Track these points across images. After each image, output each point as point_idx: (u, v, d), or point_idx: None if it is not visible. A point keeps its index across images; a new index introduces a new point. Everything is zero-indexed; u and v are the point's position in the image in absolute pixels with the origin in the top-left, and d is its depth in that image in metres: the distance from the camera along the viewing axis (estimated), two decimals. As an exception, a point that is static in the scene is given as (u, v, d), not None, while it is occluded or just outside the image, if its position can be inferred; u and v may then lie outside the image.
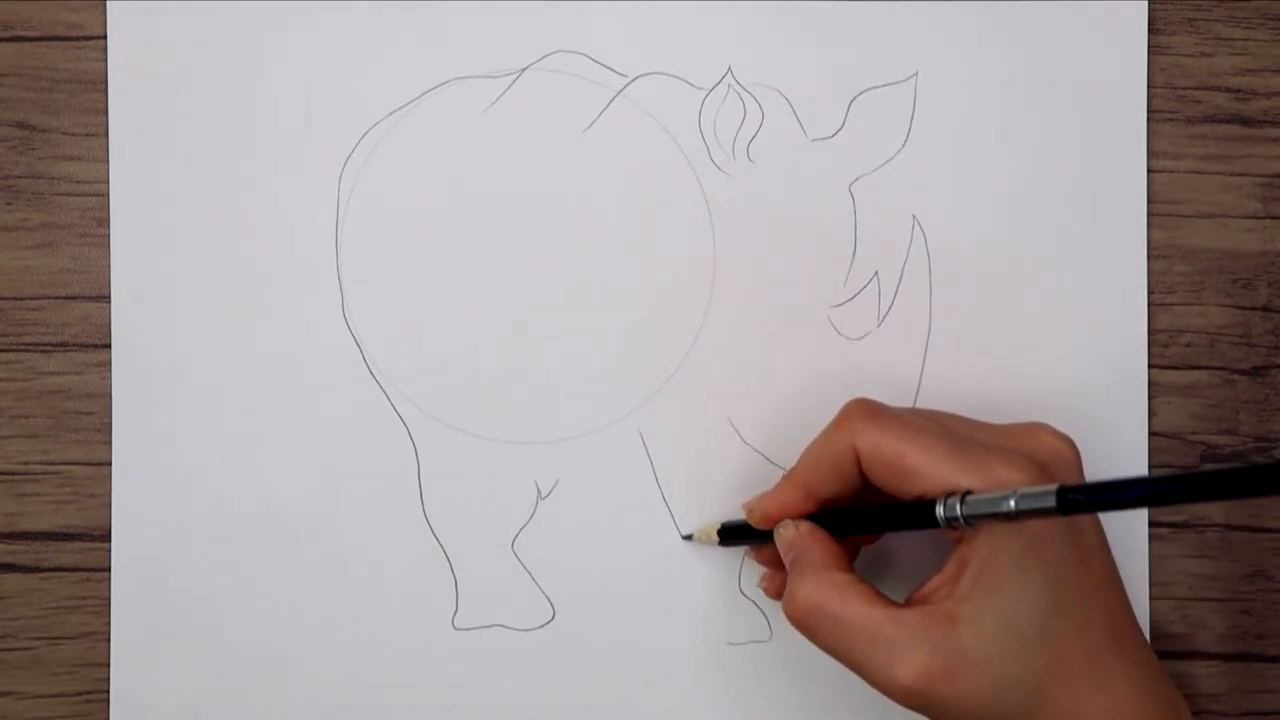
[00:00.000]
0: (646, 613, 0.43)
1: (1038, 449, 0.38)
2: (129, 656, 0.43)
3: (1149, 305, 0.44)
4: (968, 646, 0.35)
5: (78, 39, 0.43)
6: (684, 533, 0.43)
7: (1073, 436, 0.43)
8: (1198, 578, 0.44)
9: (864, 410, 0.38)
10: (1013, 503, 0.33)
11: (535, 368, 0.43)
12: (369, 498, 0.43)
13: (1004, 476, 0.36)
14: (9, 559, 0.43)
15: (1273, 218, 0.45)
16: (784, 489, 0.39)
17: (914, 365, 0.44)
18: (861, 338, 0.44)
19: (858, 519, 0.39)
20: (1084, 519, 0.37)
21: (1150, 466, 0.44)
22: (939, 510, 0.35)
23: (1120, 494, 0.32)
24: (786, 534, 0.39)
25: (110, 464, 0.43)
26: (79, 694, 0.43)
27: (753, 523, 0.40)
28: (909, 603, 0.37)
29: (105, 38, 0.43)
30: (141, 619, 0.43)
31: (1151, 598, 0.44)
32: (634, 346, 0.43)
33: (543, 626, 0.43)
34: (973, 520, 0.35)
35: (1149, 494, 0.31)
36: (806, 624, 0.37)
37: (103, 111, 0.43)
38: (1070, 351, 0.44)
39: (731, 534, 0.42)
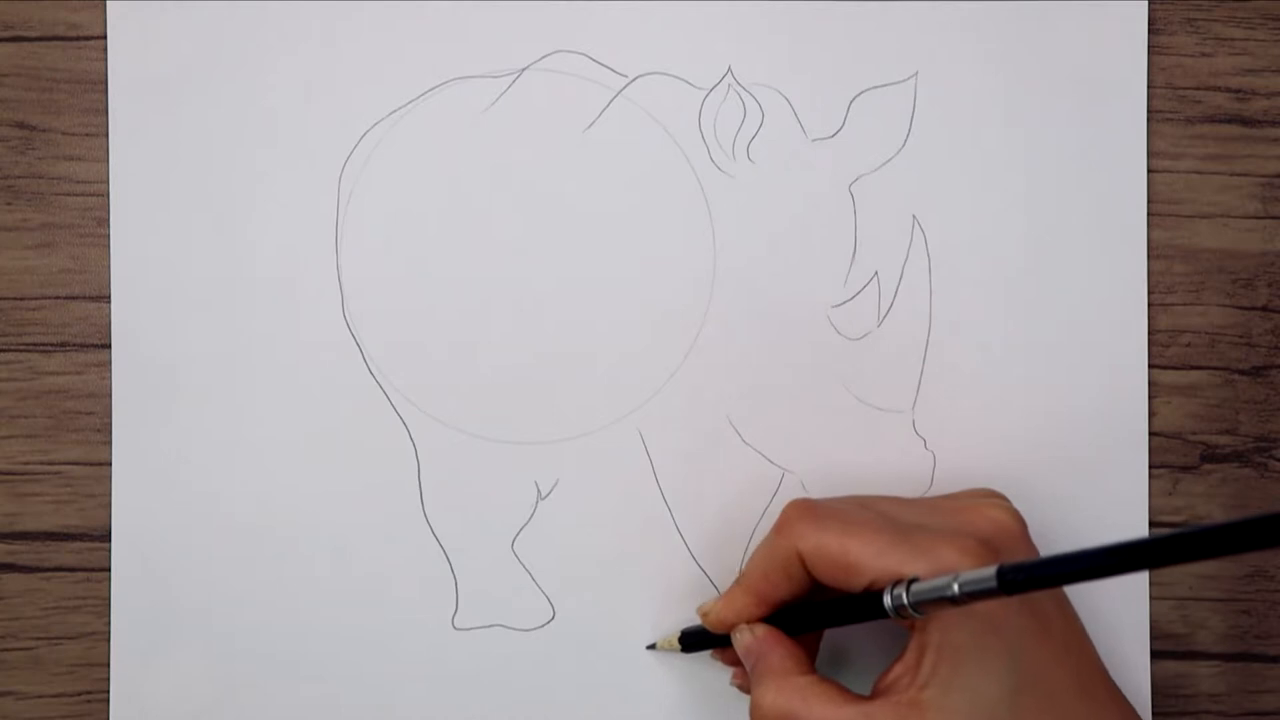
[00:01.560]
0: (646, 613, 0.43)
1: (981, 525, 0.38)
2: (129, 656, 0.43)
3: (1149, 305, 0.44)
4: None
5: (78, 39, 0.43)
6: (647, 643, 0.43)
7: (1073, 436, 0.43)
8: (1198, 578, 0.44)
9: (803, 512, 0.38)
10: (956, 587, 0.33)
11: (535, 368, 0.43)
12: (369, 498, 0.43)
13: (949, 560, 0.36)
14: (9, 559, 0.43)
15: (1273, 218, 0.45)
16: (735, 595, 0.39)
17: (914, 365, 0.44)
18: (861, 338, 0.44)
19: (811, 616, 0.39)
20: None
21: (1150, 466, 0.44)
22: (886, 600, 0.36)
23: (1058, 569, 0.32)
24: (743, 640, 0.39)
25: (110, 464, 0.43)
26: (79, 694, 0.43)
27: (708, 626, 0.40)
28: (875, 694, 0.37)
29: (105, 38, 0.43)
30: (141, 619, 0.43)
31: (1151, 598, 0.44)
32: (634, 346, 0.43)
33: (543, 626, 0.43)
34: (920, 608, 0.35)
35: (1087, 568, 0.31)
36: None
37: (103, 111, 0.43)
38: (1070, 351, 0.44)
39: (692, 640, 0.42)
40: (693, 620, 0.42)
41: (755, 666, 0.38)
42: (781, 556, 0.38)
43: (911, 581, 0.35)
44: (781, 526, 0.38)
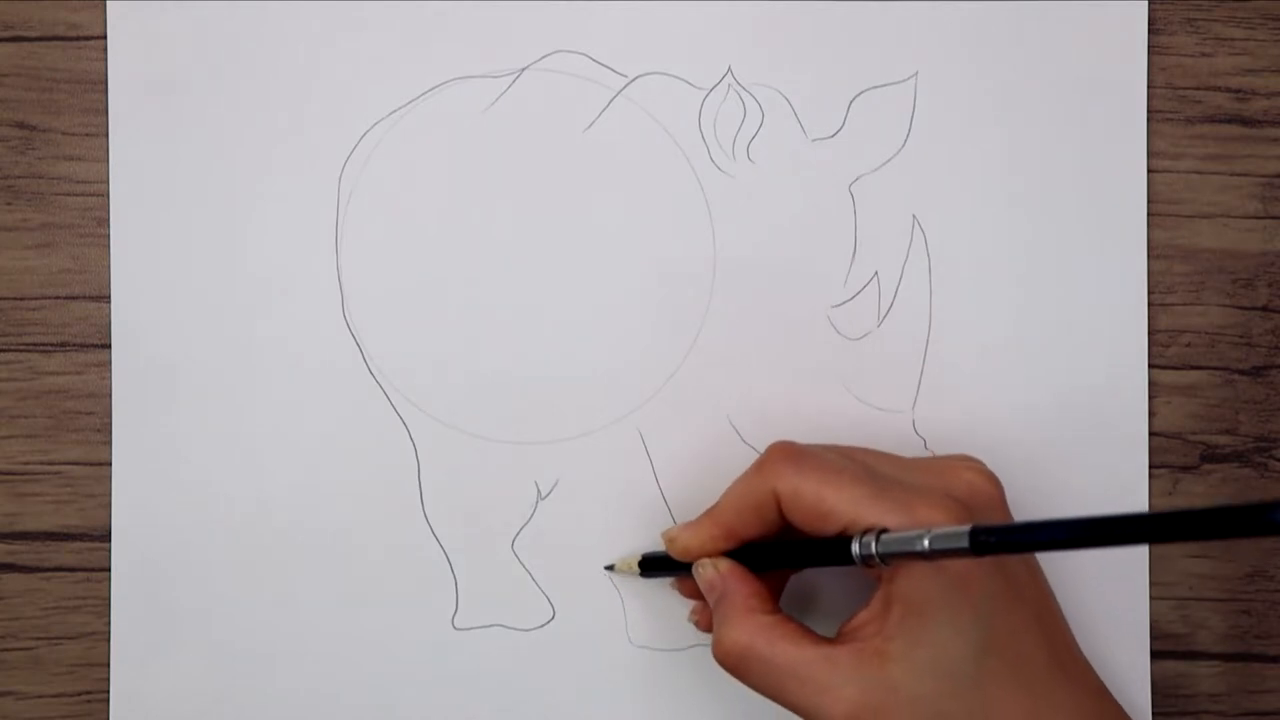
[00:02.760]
0: (646, 612, 0.43)
1: (959, 487, 0.38)
2: (129, 656, 0.43)
3: (1149, 305, 0.44)
4: (899, 683, 0.35)
5: (78, 39, 0.43)
6: (606, 564, 0.43)
7: (1073, 437, 0.43)
8: (1198, 578, 0.44)
9: (785, 454, 0.38)
10: (926, 542, 0.33)
11: (535, 368, 0.43)
12: (369, 498, 0.43)
13: (925, 516, 0.35)
14: (9, 559, 0.43)
15: (1273, 218, 0.45)
16: (705, 526, 0.39)
17: (914, 365, 0.44)
18: (861, 338, 0.44)
19: (777, 554, 0.39)
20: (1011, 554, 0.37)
21: (1150, 466, 0.44)
22: (854, 548, 0.36)
23: (1032, 536, 0.32)
24: (706, 574, 0.39)
25: (110, 464, 0.43)
26: (79, 694, 0.43)
27: (672, 554, 0.40)
28: (839, 637, 0.37)
29: (105, 38, 0.43)
30: (141, 619, 0.43)
31: (1151, 598, 0.44)
32: (634, 346, 0.43)
33: (543, 626, 0.43)
34: (888, 559, 0.35)
35: (1061, 538, 0.31)
36: (737, 669, 0.38)
37: (103, 111, 0.43)
38: (1070, 351, 0.44)
39: (653, 565, 0.42)
40: (682, 623, 0.42)
41: (719, 602, 0.38)
42: (757, 495, 0.38)
43: (882, 532, 0.35)
44: (762, 466, 0.38)
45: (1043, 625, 0.37)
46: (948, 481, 0.38)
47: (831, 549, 0.36)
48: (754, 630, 0.37)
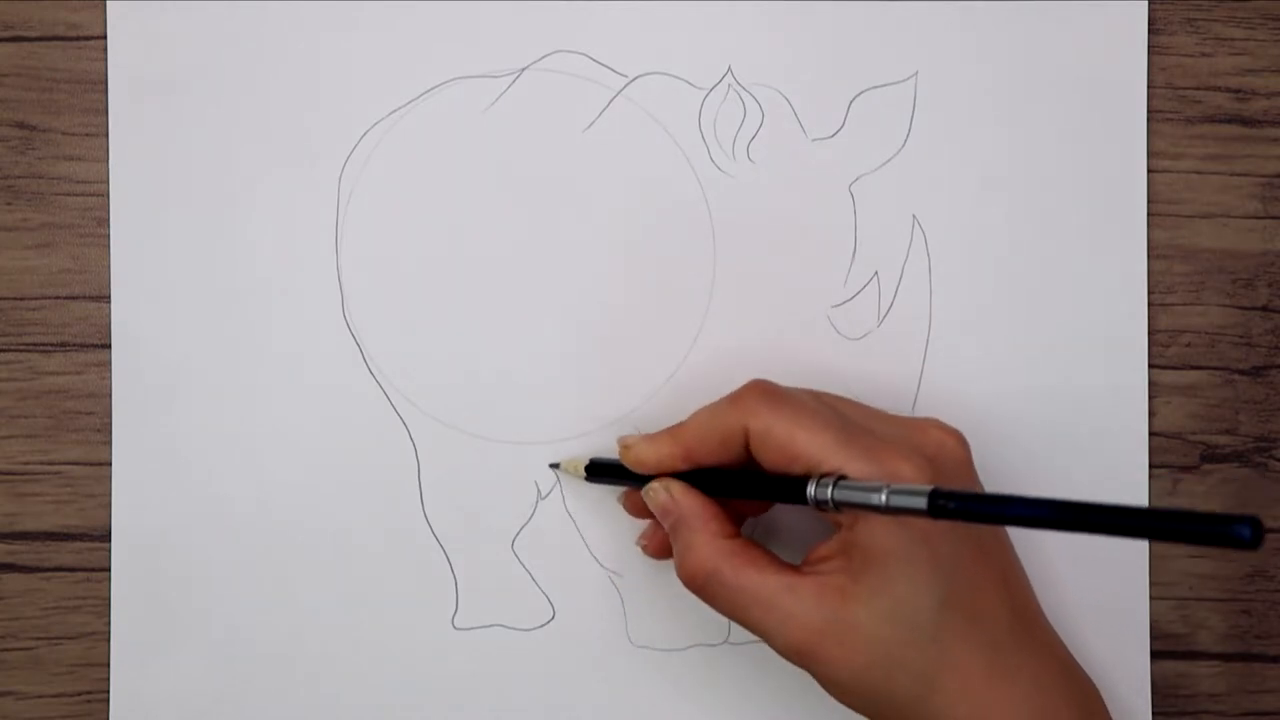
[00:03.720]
0: (646, 613, 0.43)
1: (928, 443, 0.38)
2: (129, 656, 0.43)
3: (1149, 305, 0.44)
4: (860, 623, 0.35)
5: (78, 39, 0.43)
6: (551, 461, 0.43)
7: (1073, 437, 0.43)
8: (1198, 578, 0.44)
9: (762, 392, 0.38)
10: (884, 497, 0.33)
11: (535, 368, 0.43)
12: (369, 498, 0.43)
13: (891, 466, 0.35)
14: (9, 559, 0.43)
15: (1273, 218, 0.45)
16: (665, 443, 0.39)
17: (914, 365, 0.44)
18: (861, 338, 0.44)
19: (731, 482, 0.39)
20: None
21: (1150, 466, 0.44)
22: (810, 490, 0.35)
23: (991, 509, 0.32)
24: (659, 498, 0.39)
25: (110, 464, 0.43)
26: (79, 694, 0.43)
27: (625, 461, 0.39)
28: (804, 565, 0.37)
29: (105, 38, 0.43)
30: (141, 619, 0.43)
31: (1151, 598, 0.44)
32: (634, 346, 0.43)
33: (543, 626, 0.43)
34: (842, 506, 0.35)
35: (1021, 515, 0.31)
36: (703, 591, 0.37)
37: (103, 111, 0.43)
38: (1070, 351, 0.44)
39: (601, 471, 0.41)
40: (683, 623, 0.42)
41: (678, 526, 0.38)
42: (727, 426, 0.38)
43: (840, 478, 0.35)
44: (737, 399, 0.38)
45: (1007, 587, 0.37)
46: (917, 436, 0.38)
47: (787, 486, 0.36)
48: (719, 554, 0.37)
